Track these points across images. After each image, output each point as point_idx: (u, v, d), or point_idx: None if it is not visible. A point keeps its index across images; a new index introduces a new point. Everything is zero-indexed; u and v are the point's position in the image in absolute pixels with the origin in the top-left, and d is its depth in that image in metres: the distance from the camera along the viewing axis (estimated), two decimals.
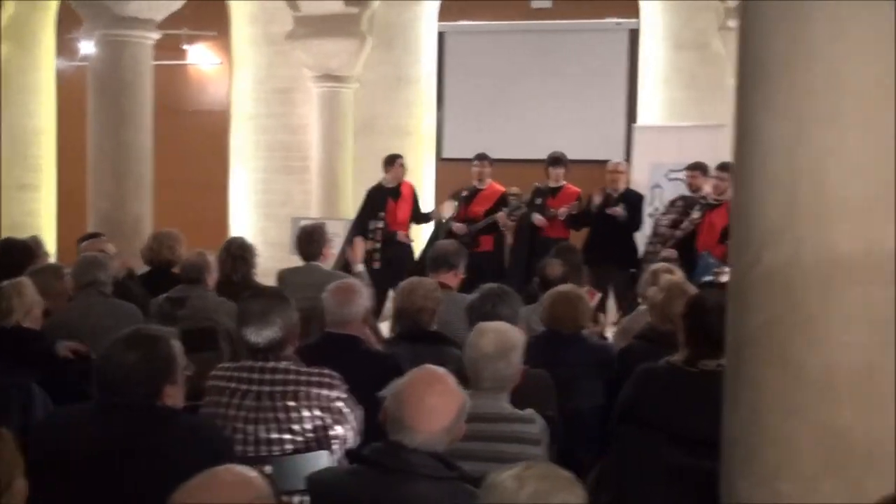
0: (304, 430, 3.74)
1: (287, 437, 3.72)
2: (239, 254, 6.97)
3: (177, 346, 3.16)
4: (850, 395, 2.86)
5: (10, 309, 4.77)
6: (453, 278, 5.98)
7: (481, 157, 10.44)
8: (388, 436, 2.83)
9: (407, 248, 10.35)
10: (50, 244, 10.84)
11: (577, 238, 9.87)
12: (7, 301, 4.77)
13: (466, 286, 6.06)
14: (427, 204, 11.73)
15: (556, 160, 9.98)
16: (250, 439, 3.72)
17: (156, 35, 8.68)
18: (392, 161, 10.41)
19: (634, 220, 9.82)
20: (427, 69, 12.97)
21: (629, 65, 12.17)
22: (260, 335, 3.77)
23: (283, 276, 7.23)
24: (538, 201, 10.08)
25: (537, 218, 9.86)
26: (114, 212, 8.51)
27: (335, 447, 3.76)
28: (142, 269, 7.35)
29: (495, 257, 10.37)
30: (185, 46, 13.25)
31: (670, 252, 8.55)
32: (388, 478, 2.71)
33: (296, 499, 3.57)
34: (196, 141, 13.38)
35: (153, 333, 3.16)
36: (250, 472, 2.15)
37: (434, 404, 2.82)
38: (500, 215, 9.98)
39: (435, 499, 2.65)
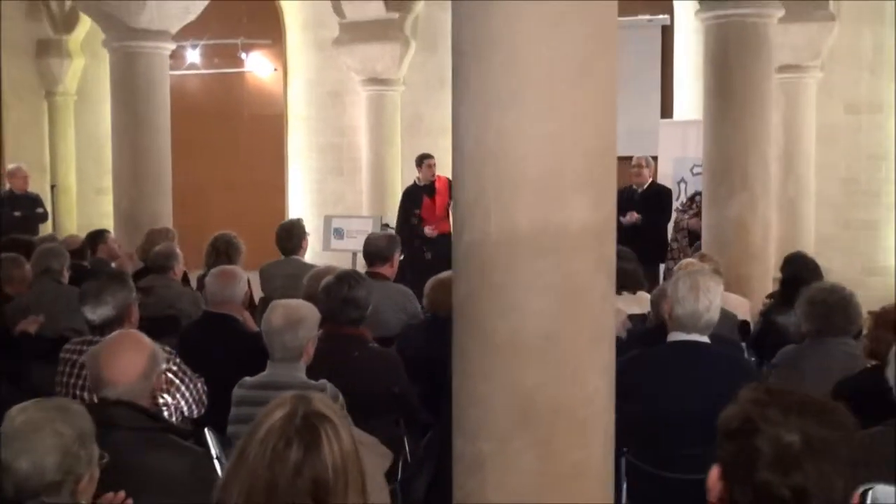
0: None
1: None
2: (223, 249, 7.38)
3: None
4: (536, 359, 3.09)
5: None
6: (389, 269, 6.32)
7: None
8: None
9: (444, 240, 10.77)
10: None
11: None
12: None
13: None
14: None
15: None
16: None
17: (171, 45, 9.23)
18: (420, 162, 10.92)
19: (663, 215, 9.96)
20: None
21: (662, 60, 12.23)
22: (94, 312, 4.20)
23: (265, 269, 7.67)
24: None
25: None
26: (133, 210, 9.09)
27: (165, 414, 4.15)
28: None
29: None
30: (242, 55, 13.90)
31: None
32: (99, 431, 3.07)
33: None
34: (254, 145, 14.02)
35: None
36: None
37: (126, 358, 3.18)
38: None
39: (134, 449, 2.99)
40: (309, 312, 4.04)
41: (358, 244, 10.40)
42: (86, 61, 14.69)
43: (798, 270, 5.78)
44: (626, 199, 9.77)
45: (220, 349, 4.85)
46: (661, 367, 4.01)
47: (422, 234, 10.72)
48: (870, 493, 3.33)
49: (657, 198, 9.86)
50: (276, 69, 14.03)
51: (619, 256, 6.20)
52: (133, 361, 3.17)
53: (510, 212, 3.07)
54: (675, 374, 3.96)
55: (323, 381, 3.94)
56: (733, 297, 6.37)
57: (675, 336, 4.01)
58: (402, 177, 13.12)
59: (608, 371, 3.21)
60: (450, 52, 11.48)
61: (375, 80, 13.09)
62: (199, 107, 14.12)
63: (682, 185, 11.08)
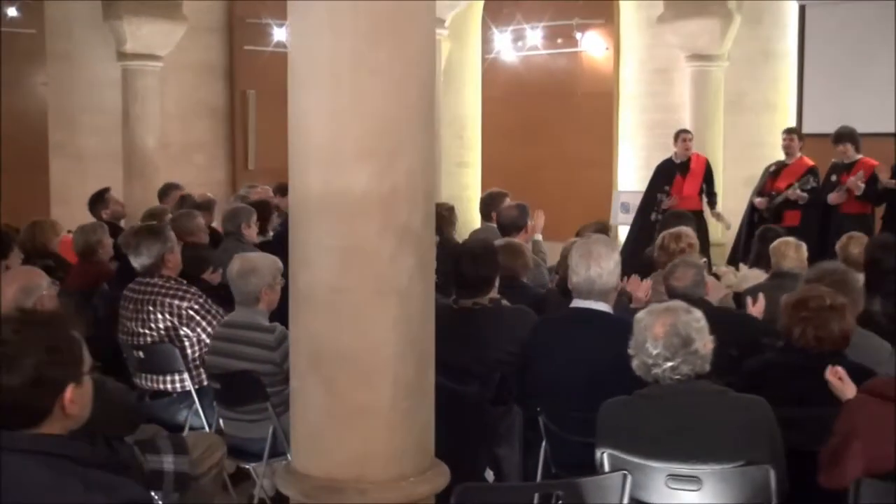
0: (159, 329, 5.04)
1: (147, 331, 5.05)
2: (445, 214, 8.17)
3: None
4: (324, 308, 3.53)
5: None
6: (524, 236, 6.74)
7: (789, 132, 10.50)
8: None
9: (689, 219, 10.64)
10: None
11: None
12: None
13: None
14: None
15: (839, 136, 9.80)
16: (130, 331, 5.13)
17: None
18: (676, 136, 10.84)
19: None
20: (792, 43, 12.79)
21: None
22: (136, 261, 5.13)
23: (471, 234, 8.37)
24: (833, 178, 9.92)
25: (831, 197, 9.75)
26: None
27: (186, 344, 5.00)
28: None
29: (801, 233, 10.28)
30: (577, 35, 14.42)
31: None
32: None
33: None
34: (586, 123, 14.51)
35: None
36: None
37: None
38: (790, 190, 9.96)
39: None
40: (262, 263, 4.66)
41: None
42: (451, 45, 15.96)
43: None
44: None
45: None
46: (556, 333, 4.17)
47: (662, 211, 10.43)
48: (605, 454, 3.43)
49: None
50: (607, 48, 14.39)
51: None
52: (5, 292, 4.05)
53: (305, 177, 3.54)
54: (566, 340, 4.11)
55: (275, 325, 4.57)
56: None
57: (575, 303, 4.14)
58: (722, 154, 13.02)
59: (399, 323, 3.52)
60: (774, 25, 11.58)
61: (698, 56, 13.05)
62: (539, 87, 14.88)
63: None
